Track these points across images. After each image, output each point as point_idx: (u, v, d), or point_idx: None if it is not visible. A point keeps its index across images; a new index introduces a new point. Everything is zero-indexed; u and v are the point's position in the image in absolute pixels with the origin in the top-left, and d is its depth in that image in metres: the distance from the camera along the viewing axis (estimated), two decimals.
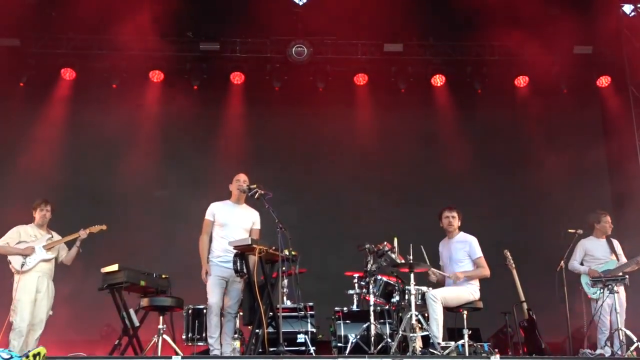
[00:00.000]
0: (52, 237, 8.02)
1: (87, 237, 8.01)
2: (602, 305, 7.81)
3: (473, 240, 7.80)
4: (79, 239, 7.98)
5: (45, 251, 7.85)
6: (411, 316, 7.16)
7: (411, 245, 7.51)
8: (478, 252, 7.72)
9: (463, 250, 7.75)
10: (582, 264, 8.41)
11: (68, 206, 10.07)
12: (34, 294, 7.68)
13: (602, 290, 7.86)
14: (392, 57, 11.47)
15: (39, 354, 5.82)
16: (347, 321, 7.86)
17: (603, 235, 8.51)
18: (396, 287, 7.73)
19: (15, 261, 7.75)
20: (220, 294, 7.26)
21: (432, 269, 7.76)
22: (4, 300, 7.82)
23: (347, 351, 7.57)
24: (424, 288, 7.52)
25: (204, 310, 7.68)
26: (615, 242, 8.49)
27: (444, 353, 7.08)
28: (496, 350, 7.54)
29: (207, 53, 11.32)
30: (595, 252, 8.41)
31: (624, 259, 8.31)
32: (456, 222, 7.89)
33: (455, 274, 7.62)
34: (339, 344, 7.73)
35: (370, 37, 11.37)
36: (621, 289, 7.97)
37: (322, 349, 8.23)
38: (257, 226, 7.64)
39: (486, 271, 7.69)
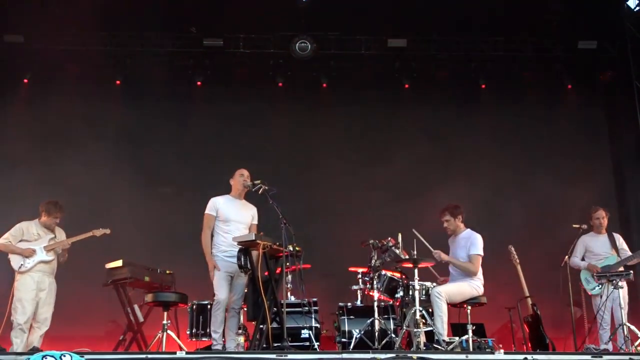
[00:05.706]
0: (55, 237, 7.92)
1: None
2: (605, 300, 7.81)
3: (475, 238, 7.64)
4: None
5: (46, 252, 7.75)
6: (415, 312, 7.15)
7: (415, 240, 7.50)
8: (474, 250, 7.53)
9: (465, 247, 7.66)
10: (583, 259, 8.42)
11: (71, 202, 10.05)
12: (34, 292, 7.62)
13: (601, 287, 7.86)
14: (396, 52, 11.44)
15: None
16: (351, 316, 7.88)
17: (602, 230, 8.50)
18: (400, 283, 7.72)
19: (14, 261, 7.69)
20: (228, 289, 7.25)
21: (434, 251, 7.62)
22: (6, 298, 7.80)
23: (351, 346, 7.59)
24: (428, 284, 7.50)
25: (208, 306, 7.70)
26: (617, 237, 8.48)
27: (448, 348, 7.08)
28: (500, 345, 7.56)
29: (210, 49, 11.31)
30: (594, 248, 8.43)
31: (627, 253, 8.29)
32: (452, 224, 7.75)
33: (439, 253, 7.49)
34: (343, 340, 7.75)
35: (374, 33, 11.35)
36: (624, 284, 7.96)
37: (326, 344, 8.24)
38: (255, 221, 7.66)
39: (473, 268, 7.46)
